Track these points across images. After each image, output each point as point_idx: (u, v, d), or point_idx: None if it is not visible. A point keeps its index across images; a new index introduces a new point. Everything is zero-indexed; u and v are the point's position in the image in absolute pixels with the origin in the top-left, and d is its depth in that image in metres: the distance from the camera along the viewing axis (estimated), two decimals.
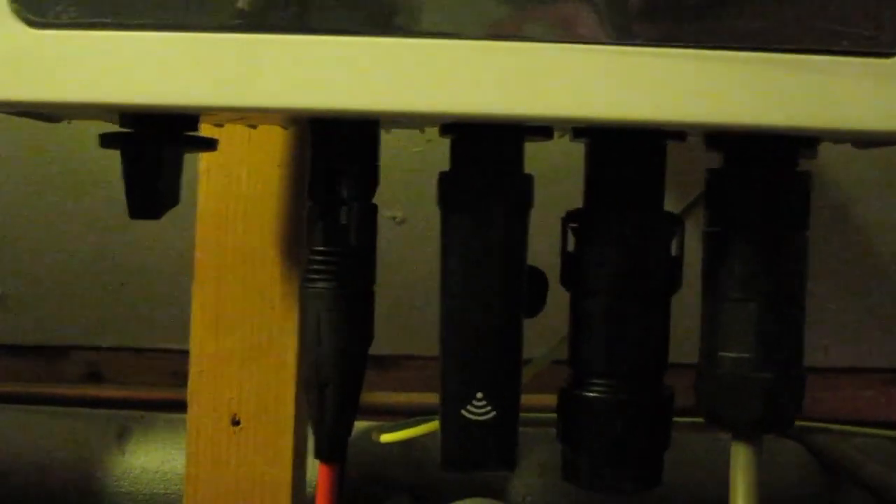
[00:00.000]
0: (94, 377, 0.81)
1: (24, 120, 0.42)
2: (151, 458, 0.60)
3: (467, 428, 0.39)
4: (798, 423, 0.63)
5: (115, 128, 0.40)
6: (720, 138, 0.40)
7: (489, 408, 0.38)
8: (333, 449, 0.40)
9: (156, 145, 0.39)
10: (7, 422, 0.63)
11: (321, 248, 0.39)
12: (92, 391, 0.76)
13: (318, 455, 0.40)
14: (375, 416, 0.71)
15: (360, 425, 0.64)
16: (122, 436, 0.61)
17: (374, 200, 0.75)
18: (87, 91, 0.36)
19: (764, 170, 0.40)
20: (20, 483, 0.59)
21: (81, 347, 0.81)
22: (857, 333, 0.78)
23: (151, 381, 0.79)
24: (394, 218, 0.76)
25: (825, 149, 0.45)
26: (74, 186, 0.77)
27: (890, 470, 0.57)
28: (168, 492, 0.59)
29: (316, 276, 0.39)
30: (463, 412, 0.39)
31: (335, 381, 0.39)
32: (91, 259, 0.79)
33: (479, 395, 0.38)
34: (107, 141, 0.40)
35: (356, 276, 0.39)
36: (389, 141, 0.57)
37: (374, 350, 0.80)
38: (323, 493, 0.40)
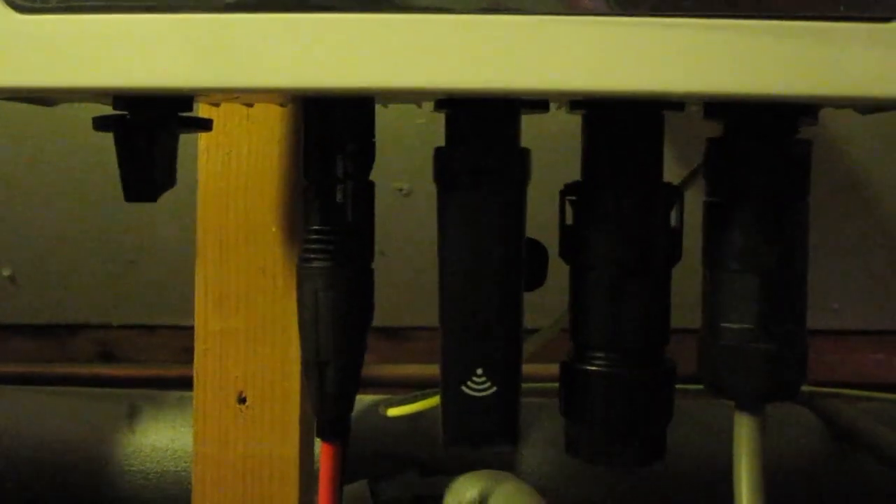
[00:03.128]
0: (106, 356, 0.82)
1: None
2: (161, 435, 0.61)
3: (467, 404, 0.38)
4: (807, 388, 0.63)
5: (110, 110, 0.40)
6: (719, 107, 0.40)
7: (489, 384, 0.38)
8: (335, 427, 0.40)
9: (149, 128, 0.39)
10: (17, 402, 0.64)
11: (317, 227, 0.39)
12: (103, 370, 0.77)
13: (320, 434, 0.40)
14: (386, 389, 0.72)
15: (368, 399, 0.64)
16: (133, 414, 0.61)
17: (380, 172, 0.75)
18: (77, 76, 0.35)
19: (763, 138, 0.39)
20: (30, 463, 0.60)
21: (92, 326, 0.82)
22: (867, 296, 0.78)
23: (163, 358, 0.80)
24: (400, 190, 0.76)
25: (833, 111, 0.44)
26: (82, 164, 0.77)
27: None
28: (179, 469, 0.59)
29: (312, 255, 0.39)
30: (463, 388, 0.38)
31: (334, 360, 0.39)
32: (100, 237, 0.80)
33: (479, 371, 0.38)
34: (100, 124, 0.39)
35: (353, 254, 0.39)
36: (394, 113, 0.57)
37: (384, 322, 0.80)
38: (325, 471, 0.40)
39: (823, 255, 0.77)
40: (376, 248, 0.78)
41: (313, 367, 0.39)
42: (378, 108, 0.53)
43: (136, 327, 0.82)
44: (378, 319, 0.81)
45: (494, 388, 0.38)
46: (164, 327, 0.80)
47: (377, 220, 0.76)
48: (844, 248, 0.77)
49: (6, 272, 0.80)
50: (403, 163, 0.74)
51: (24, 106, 0.44)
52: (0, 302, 0.80)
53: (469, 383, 0.38)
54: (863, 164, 0.76)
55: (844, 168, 0.76)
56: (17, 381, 0.72)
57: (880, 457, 0.58)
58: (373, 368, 0.79)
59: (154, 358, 0.81)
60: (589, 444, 0.40)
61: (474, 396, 0.38)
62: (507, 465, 0.59)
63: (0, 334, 0.81)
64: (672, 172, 0.43)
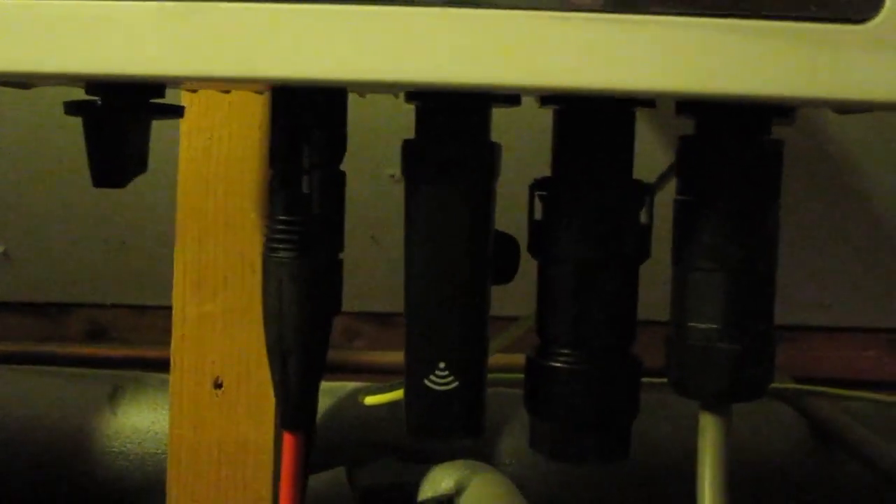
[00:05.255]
0: (97, 334, 0.82)
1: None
2: (143, 417, 0.61)
3: (430, 397, 0.38)
4: (791, 385, 0.63)
5: (83, 94, 0.40)
6: (690, 105, 0.39)
7: (451, 378, 0.38)
8: (297, 417, 0.40)
9: (120, 114, 0.39)
10: (1, 382, 0.64)
11: (282, 217, 0.38)
12: (92, 350, 0.77)
13: (283, 423, 0.40)
14: (376, 375, 0.72)
15: (351, 385, 0.64)
16: (114, 396, 0.62)
17: (373, 158, 0.75)
18: (50, 61, 0.35)
19: (735, 138, 0.39)
20: (11, 444, 0.60)
21: (84, 305, 0.82)
22: (859, 293, 0.77)
23: (154, 339, 0.80)
24: (392, 175, 0.76)
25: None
26: (76, 144, 0.77)
27: (880, 438, 0.57)
28: (159, 451, 0.59)
29: (277, 245, 0.39)
30: (426, 382, 0.38)
31: (297, 350, 0.39)
32: (93, 217, 0.80)
33: (442, 365, 0.38)
34: (70, 109, 0.39)
35: (319, 245, 0.39)
36: (385, 99, 0.57)
37: (374, 308, 0.81)
38: (288, 461, 0.40)
39: (816, 251, 0.77)
40: (368, 234, 0.79)
41: (276, 357, 0.39)
42: (373, 95, 0.53)
43: (127, 307, 0.82)
44: (369, 305, 0.81)
45: (457, 383, 0.38)
46: (155, 308, 0.81)
47: (369, 206, 0.77)
48: (837, 244, 0.77)
49: (0, 249, 0.80)
50: (396, 149, 0.74)
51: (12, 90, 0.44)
52: None
53: (432, 377, 0.38)
54: (857, 162, 0.76)
55: (838, 166, 0.76)
56: (8, 360, 0.72)
57: (860, 457, 0.57)
58: (363, 354, 0.79)
59: (145, 338, 0.81)
60: (552, 440, 0.40)
61: (437, 390, 0.38)
62: (484, 455, 0.59)
63: None
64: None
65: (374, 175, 0.76)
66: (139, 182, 0.76)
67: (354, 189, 0.80)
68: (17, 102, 0.77)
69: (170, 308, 0.80)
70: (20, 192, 0.79)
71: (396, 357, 0.78)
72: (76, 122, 0.75)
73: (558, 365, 0.39)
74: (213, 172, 0.52)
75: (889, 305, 0.78)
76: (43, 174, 0.79)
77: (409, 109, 0.76)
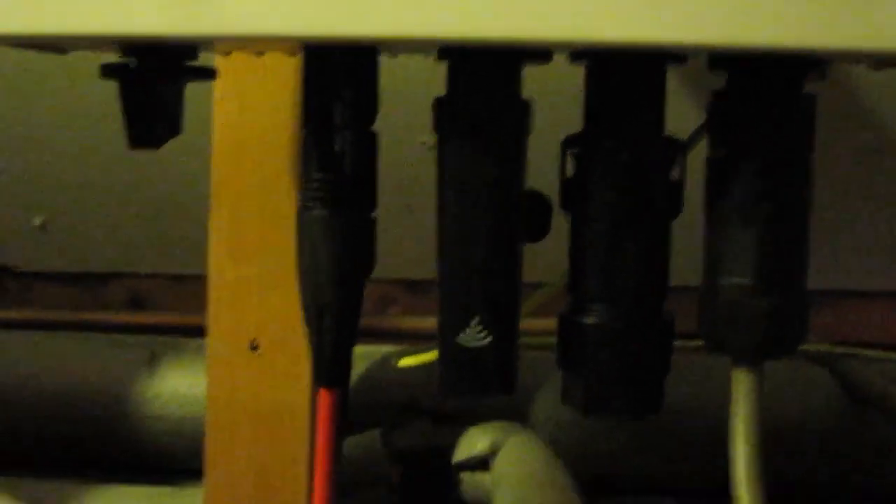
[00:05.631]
0: (136, 304, 0.83)
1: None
2: (180, 382, 0.62)
3: (463, 354, 0.39)
4: (825, 348, 0.63)
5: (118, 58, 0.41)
6: (722, 60, 0.39)
7: (485, 333, 0.39)
8: (333, 374, 0.41)
9: (154, 76, 0.39)
10: (44, 348, 0.65)
11: (316, 176, 0.39)
12: (131, 318, 0.78)
13: (318, 379, 0.41)
14: (408, 341, 0.72)
15: (385, 349, 0.65)
16: (152, 361, 0.63)
17: (405, 126, 0.75)
18: (82, 22, 0.36)
19: (767, 93, 0.39)
20: (52, 408, 0.61)
21: (123, 275, 0.83)
22: (893, 257, 0.77)
23: (191, 307, 0.81)
24: (423, 143, 0.76)
25: (864, 69, 0.43)
26: (112, 115, 0.78)
27: None
28: (197, 415, 0.60)
29: (311, 204, 0.39)
30: (459, 338, 0.39)
31: (332, 307, 0.39)
32: (130, 187, 0.81)
33: (475, 320, 0.38)
34: (106, 71, 0.40)
35: (352, 203, 0.39)
36: (418, 67, 0.57)
37: (407, 274, 0.81)
38: (323, 417, 0.40)
39: (850, 216, 0.76)
40: (403, 202, 0.79)
41: (312, 314, 0.40)
42: (406, 60, 0.53)
43: (165, 276, 0.83)
44: (404, 272, 0.82)
45: (490, 338, 0.39)
46: (192, 276, 0.81)
47: (402, 174, 0.77)
48: (870, 209, 0.76)
49: (38, 221, 0.81)
50: (428, 117, 0.74)
51: (57, 57, 0.45)
52: (32, 250, 0.82)
53: (465, 333, 0.39)
54: (892, 125, 0.75)
55: (873, 128, 0.75)
56: (48, 328, 0.73)
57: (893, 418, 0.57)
58: (397, 320, 0.79)
59: (182, 306, 0.82)
60: (584, 395, 0.40)
61: (470, 346, 0.39)
62: (518, 417, 0.59)
63: (31, 282, 0.83)
64: None
65: (407, 143, 0.76)
66: (175, 150, 0.77)
67: (388, 157, 0.80)
68: (53, 74, 0.77)
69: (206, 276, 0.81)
70: (56, 165, 0.80)
71: (431, 323, 0.78)
72: (111, 93, 0.76)
73: (590, 321, 0.39)
74: (247, 137, 0.52)
75: None
76: (79, 146, 0.80)
77: (442, 78, 0.76)
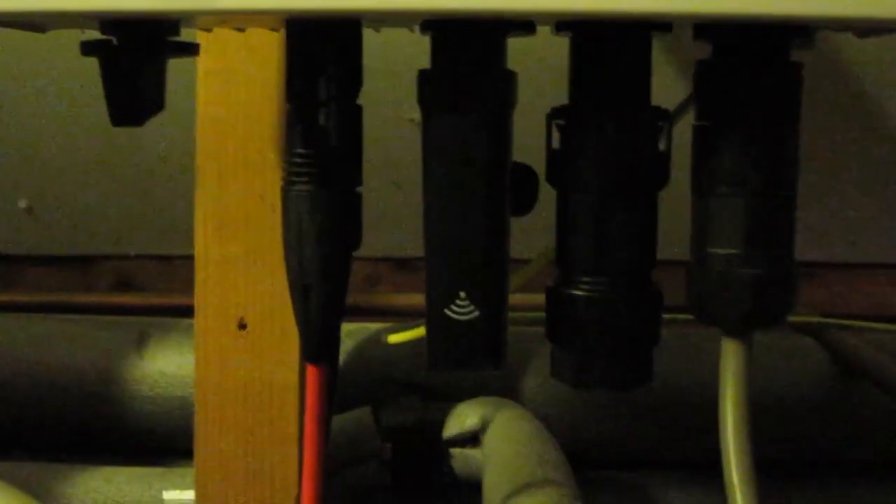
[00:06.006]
0: (124, 286, 0.83)
1: (50, 34, 0.42)
2: (169, 362, 0.61)
3: (451, 327, 0.39)
4: (815, 319, 0.63)
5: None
6: (707, 29, 0.39)
7: (472, 307, 0.38)
8: (320, 350, 0.40)
9: (135, 52, 0.39)
10: (33, 330, 0.65)
11: (300, 150, 0.39)
12: (119, 299, 0.78)
13: (306, 356, 0.41)
14: (396, 318, 0.72)
15: (374, 327, 0.65)
16: (141, 341, 0.62)
17: (392, 103, 0.74)
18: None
19: (753, 61, 0.38)
20: (40, 390, 0.61)
21: (110, 257, 0.83)
22: (884, 229, 0.77)
23: (180, 288, 0.81)
24: (412, 119, 0.76)
25: (849, 39, 0.43)
26: (96, 97, 0.77)
27: None
28: (186, 395, 0.60)
29: (296, 179, 0.39)
30: (446, 312, 0.39)
31: (318, 283, 0.39)
32: (116, 169, 0.80)
33: (462, 294, 0.38)
34: (86, 49, 0.39)
35: (337, 178, 0.39)
36: (405, 44, 0.57)
37: (395, 253, 0.81)
38: (312, 393, 0.40)
39: (841, 188, 0.77)
40: (390, 179, 0.79)
41: (298, 290, 0.40)
42: (392, 36, 0.52)
43: (153, 257, 0.83)
44: (392, 250, 0.81)
45: (478, 312, 0.38)
46: (180, 257, 0.81)
47: (390, 151, 0.77)
48: (861, 181, 0.76)
49: (23, 204, 0.81)
50: (413, 93, 0.73)
51: (38, 36, 0.44)
52: (18, 233, 0.81)
53: (452, 307, 0.39)
54: (881, 98, 0.75)
55: (864, 101, 0.75)
56: (35, 311, 0.73)
57: (885, 388, 0.57)
58: (385, 297, 0.79)
59: (170, 287, 0.81)
60: (573, 368, 0.40)
61: (458, 320, 0.39)
62: (508, 392, 0.59)
63: (18, 265, 0.82)
64: None
65: (394, 120, 0.76)
66: (161, 131, 0.77)
67: (375, 134, 0.79)
68: (35, 55, 0.77)
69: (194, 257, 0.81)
70: (42, 147, 0.80)
71: (419, 300, 0.78)
72: (96, 73, 0.75)
73: (578, 293, 0.39)
74: (232, 114, 0.52)
75: None
76: (64, 128, 0.79)
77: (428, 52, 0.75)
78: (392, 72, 0.69)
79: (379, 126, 0.76)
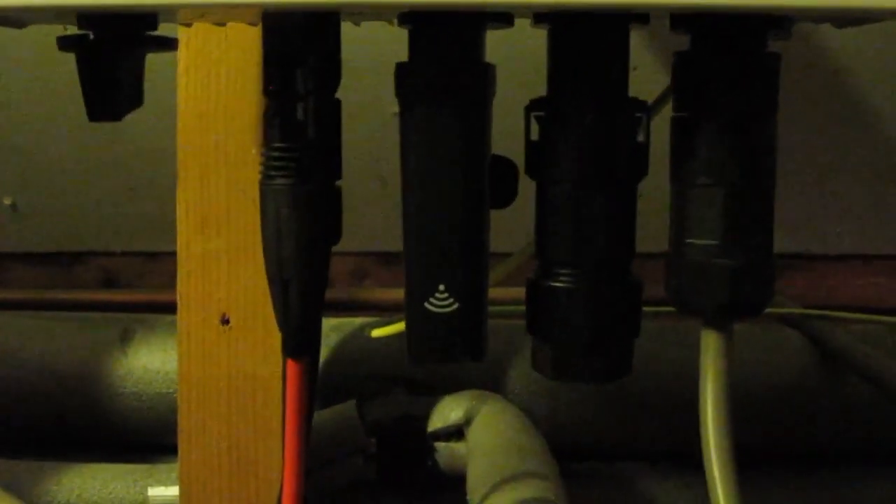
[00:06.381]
0: (109, 283, 0.83)
1: (33, 29, 0.42)
2: (153, 358, 0.61)
3: (430, 320, 0.39)
4: (797, 310, 0.63)
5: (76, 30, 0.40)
6: (684, 19, 0.39)
7: (451, 300, 0.38)
8: (300, 345, 0.40)
9: (112, 47, 0.39)
10: (16, 327, 0.64)
11: (278, 145, 0.38)
12: (104, 296, 0.78)
13: (285, 350, 0.41)
14: (383, 313, 0.72)
15: (359, 321, 0.65)
16: (125, 338, 0.62)
17: (377, 97, 0.74)
18: None
19: (730, 52, 0.38)
20: (24, 387, 0.61)
21: (95, 253, 0.83)
22: (867, 220, 0.77)
23: (165, 284, 0.80)
24: (395, 114, 0.76)
25: (838, 33, 0.43)
26: (80, 91, 0.77)
27: (888, 358, 0.57)
28: (171, 391, 0.60)
29: (274, 173, 0.39)
30: (426, 305, 0.39)
31: (298, 277, 0.39)
32: (101, 165, 0.80)
33: (441, 287, 0.38)
34: (63, 44, 0.39)
35: (316, 172, 0.39)
36: (387, 39, 0.56)
37: (381, 247, 0.81)
38: (292, 388, 0.40)
39: (825, 179, 0.77)
40: (375, 174, 0.79)
41: (277, 285, 0.39)
42: (376, 32, 0.52)
43: (138, 254, 0.83)
44: (377, 245, 0.81)
45: (457, 305, 0.38)
46: (165, 254, 0.81)
47: (374, 146, 0.77)
48: (846, 172, 0.77)
49: (7, 201, 0.81)
50: None
51: (18, 32, 0.44)
52: (2, 230, 0.81)
53: (432, 300, 0.39)
54: (866, 90, 0.75)
55: (847, 93, 0.75)
56: (20, 308, 0.73)
57: (869, 378, 0.57)
58: (371, 292, 0.79)
59: (156, 284, 0.81)
60: (553, 360, 0.40)
61: (437, 312, 0.39)
62: (493, 385, 0.59)
63: (3, 262, 0.82)
64: None
65: (378, 114, 0.76)
66: (145, 127, 0.76)
67: (359, 129, 0.79)
68: (20, 50, 0.76)
69: None
70: (25, 144, 0.80)
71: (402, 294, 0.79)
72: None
73: (558, 285, 0.39)
74: (213, 109, 0.52)
75: None
76: (48, 124, 0.79)
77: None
78: (375, 66, 0.69)
79: (363, 120, 0.76)
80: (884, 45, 0.74)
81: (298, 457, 0.41)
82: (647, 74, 0.69)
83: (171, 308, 0.70)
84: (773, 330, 0.62)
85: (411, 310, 0.39)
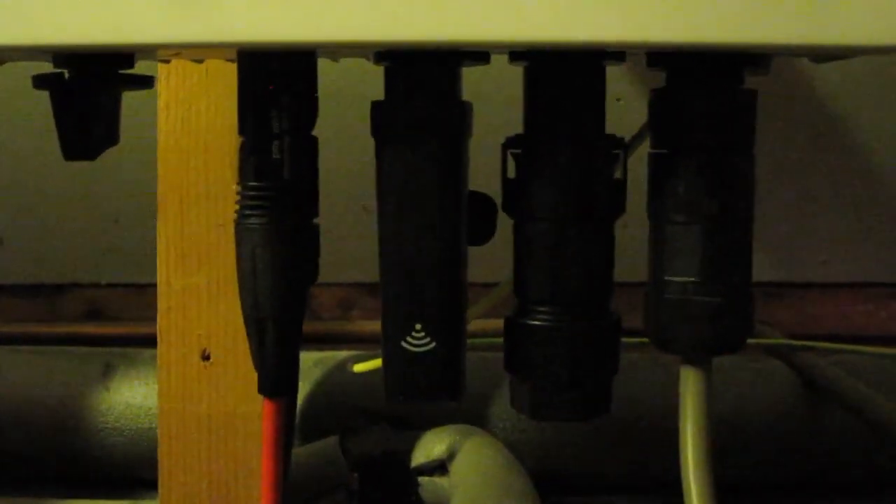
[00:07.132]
0: (94, 315, 0.82)
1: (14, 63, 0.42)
2: (135, 393, 0.61)
3: (407, 359, 0.38)
4: (782, 341, 0.63)
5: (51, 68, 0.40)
6: (661, 57, 0.39)
7: (428, 339, 0.38)
8: (277, 383, 0.40)
9: (88, 86, 0.39)
10: None
11: (253, 184, 0.38)
12: (88, 328, 0.77)
13: (261, 390, 0.40)
14: (371, 345, 0.72)
15: (342, 354, 0.64)
16: (107, 372, 0.62)
17: (362, 127, 0.74)
18: (16, 33, 0.35)
19: (706, 89, 0.38)
20: (5, 422, 0.60)
21: (80, 285, 0.82)
22: (855, 248, 0.77)
23: (151, 316, 0.80)
24: None
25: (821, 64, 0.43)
26: None
27: (870, 389, 0.57)
28: (153, 426, 0.59)
29: (249, 212, 0.38)
30: (402, 344, 0.38)
31: (273, 316, 0.39)
32: (86, 197, 0.80)
33: (418, 326, 0.38)
34: (38, 83, 0.39)
35: (292, 211, 0.39)
36: (370, 68, 0.56)
37: (368, 277, 0.80)
38: (268, 427, 0.40)
39: (812, 208, 0.77)
40: (360, 204, 0.79)
41: (252, 324, 0.39)
42: (360, 63, 0.52)
43: (124, 286, 0.82)
44: (363, 276, 0.81)
45: (434, 344, 0.38)
46: (151, 286, 0.80)
47: (359, 176, 0.76)
48: (833, 200, 0.77)
49: None
50: None
51: (5, 68, 0.44)
52: None
53: (408, 338, 0.38)
54: (852, 118, 0.75)
55: (833, 121, 0.75)
56: (5, 342, 0.72)
57: (850, 408, 0.57)
58: (358, 325, 0.79)
59: (142, 316, 0.81)
60: (531, 399, 0.40)
61: (414, 352, 0.38)
62: (476, 420, 0.59)
63: None
64: None
65: (362, 144, 0.76)
66: (130, 160, 0.76)
67: (344, 160, 0.79)
68: (7, 84, 0.76)
69: None
70: (11, 176, 0.79)
71: None
72: None
73: (536, 323, 0.39)
74: (193, 144, 0.52)
75: (884, 260, 0.77)
76: (33, 156, 0.79)
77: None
78: (358, 97, 0.69)
79: (346, 150, 0.76)
80: (868, 72, 0.74)
81: (276, 496, 0.40)
82: (632, 105, 0.69)
83: (156, 341, 0.70)
84: (759, 361, 0.61)
85: (388, 348, 0.39)
